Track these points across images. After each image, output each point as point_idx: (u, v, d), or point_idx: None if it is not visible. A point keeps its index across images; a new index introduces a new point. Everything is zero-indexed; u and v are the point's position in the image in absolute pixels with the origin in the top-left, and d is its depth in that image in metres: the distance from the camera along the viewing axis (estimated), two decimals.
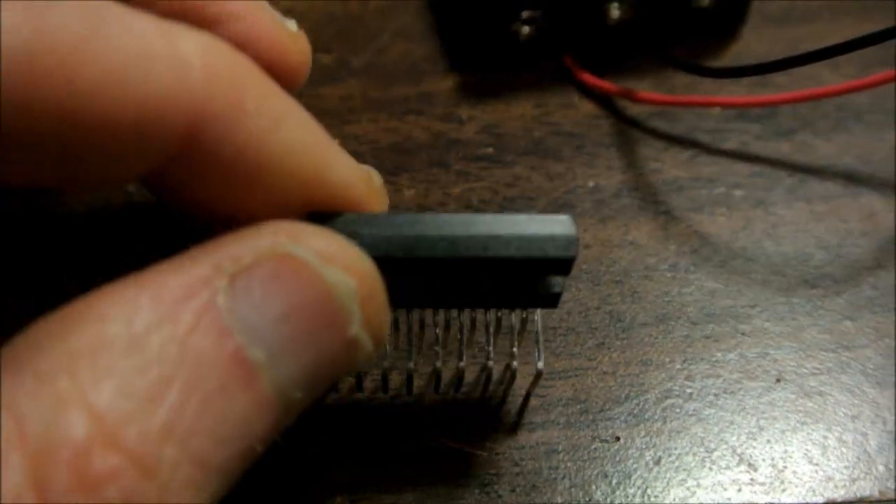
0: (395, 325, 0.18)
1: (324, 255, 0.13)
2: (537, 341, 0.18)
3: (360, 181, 0.16)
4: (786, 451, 0.19)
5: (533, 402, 0.19)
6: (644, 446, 0.19)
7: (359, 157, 0.23)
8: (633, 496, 0.19)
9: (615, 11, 0.24)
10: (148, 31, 0.13)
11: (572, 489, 0.19)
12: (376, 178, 0.17)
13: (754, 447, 0.19)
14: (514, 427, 0.19)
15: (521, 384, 0.19)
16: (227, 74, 0.14)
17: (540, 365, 0.18)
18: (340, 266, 0.13)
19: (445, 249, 0.15)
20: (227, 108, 0.14)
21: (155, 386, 0.12)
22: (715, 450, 0.19)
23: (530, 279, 0.17)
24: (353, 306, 0.14)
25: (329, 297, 0.13)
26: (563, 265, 0.16)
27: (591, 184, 0.23)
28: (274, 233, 0.13)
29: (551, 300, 0.17)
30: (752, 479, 0.19)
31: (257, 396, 0.13)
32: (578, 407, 0.20)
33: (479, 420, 0.19)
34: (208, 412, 0.12)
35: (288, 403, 0.13)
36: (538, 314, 0.18)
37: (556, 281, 0.17)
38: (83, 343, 0.12)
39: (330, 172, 0.16)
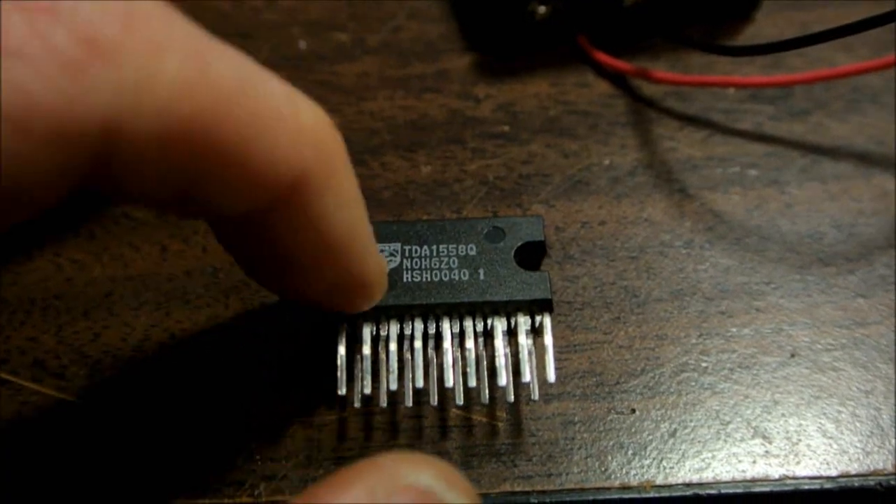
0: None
1: (443, 481, 0.15)
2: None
3: (382, 278, 0.18)
4: (800, 425, 0.19)
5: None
6: (659, 418, 0.19)
7: (376, 133, 0.23)
8: (649, 467, 0.19)
9: None
10: (279, 93, 0.14)
11: (588, 459, 0.19)
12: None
13: (769, 420, 0.19)
14: (531, 398, 0.19)
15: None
16: (326, 150, 0.15)
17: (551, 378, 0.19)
18: (458, 490, 0.15)
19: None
20: (320, 180, 0.15)
21: None
22: (730, 423, 0.19)
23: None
24: None
25: None
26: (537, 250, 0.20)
27: (606, 162, 0.23)
28: (396, 463, 0.15)
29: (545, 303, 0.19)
30: (766, 452, 0.19)
31: None
32: (594, 379, 0.20)
33: (494, 392, 0.19)
34: None
35: None
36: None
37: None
38: None
39: (366, 261, 0.17)
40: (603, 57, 0.24)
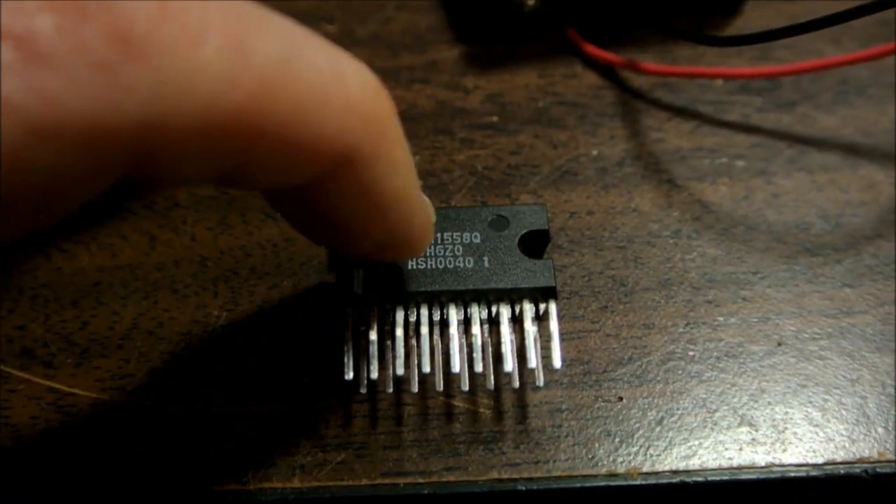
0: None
1: None
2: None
3: (427, 231, 0.18)
4: (787, 413, 0.19)
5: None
6: (646, 406, 0.19)
7: None
8: (636, 454, 0.19)
9: None
10: (325, 67, 0.14)
11: (575, 447, 0.19)
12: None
13: (755, 409, 0.19)
14: (519, 387, 0.19)
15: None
16: (375, 119, 0.15)
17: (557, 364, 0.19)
18: None
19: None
20: (369, 150, 0.15)
21: None
22: (716, 411, 0.19)
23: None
24: None
25: None
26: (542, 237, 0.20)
27: (594, 152, 0.23)
28: None
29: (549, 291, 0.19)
30: (753, 440, 0.19)
31: None
32: (582, 368, 0.20)
33: (482, 380, 0.19)
34: None
35: None
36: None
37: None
38: None
39: (412, 222, 0.17)
40: (591, 48, 0.25)
